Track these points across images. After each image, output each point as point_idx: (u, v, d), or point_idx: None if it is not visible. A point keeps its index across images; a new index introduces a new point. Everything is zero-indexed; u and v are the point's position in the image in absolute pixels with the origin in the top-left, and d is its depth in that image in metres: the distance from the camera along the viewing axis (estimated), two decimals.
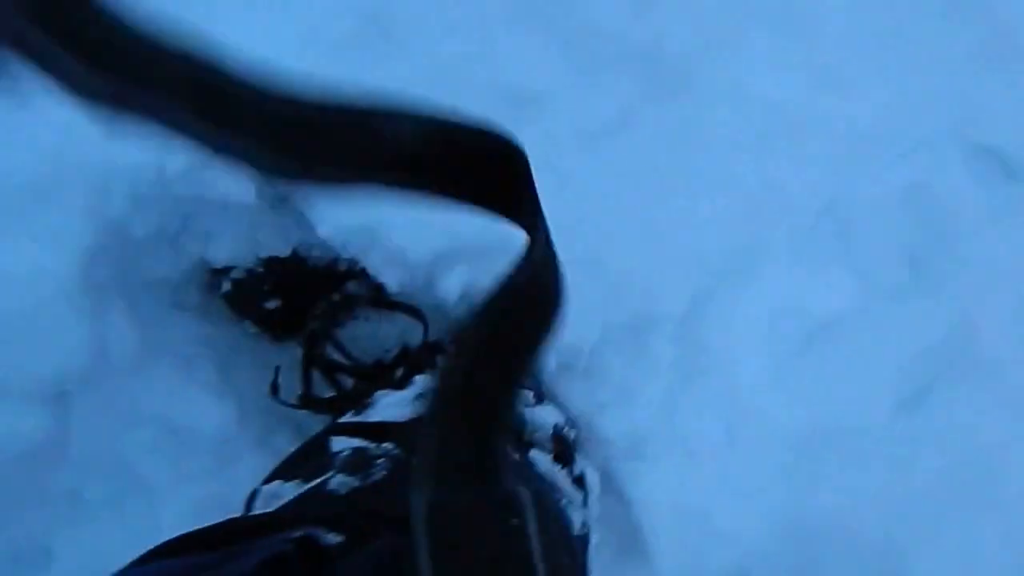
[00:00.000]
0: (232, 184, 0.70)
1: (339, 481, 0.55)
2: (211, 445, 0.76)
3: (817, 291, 0.79)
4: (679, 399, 0.76)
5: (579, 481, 0.73)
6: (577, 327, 0.71)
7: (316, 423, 0.77)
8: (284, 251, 0.75)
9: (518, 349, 0.30)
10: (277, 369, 0.79)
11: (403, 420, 0.65)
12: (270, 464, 0.69)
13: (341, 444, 0.61)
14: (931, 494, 0.75)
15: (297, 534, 0.42)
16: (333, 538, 0.44)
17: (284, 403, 0.77)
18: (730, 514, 0.75)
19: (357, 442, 0.61)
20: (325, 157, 0.27)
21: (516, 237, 0.75)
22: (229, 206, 0.73)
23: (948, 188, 0.82)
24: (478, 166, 0.28)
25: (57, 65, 0.21)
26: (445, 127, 0.27)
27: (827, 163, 0.78)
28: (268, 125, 0.25)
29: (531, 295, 0.29)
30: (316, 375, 0.79)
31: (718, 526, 0.75)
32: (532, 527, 0.25)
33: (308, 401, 0.77)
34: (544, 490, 0.65)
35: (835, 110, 0.80)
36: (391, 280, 0.73)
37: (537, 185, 0.29)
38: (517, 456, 0.66)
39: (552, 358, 0.72)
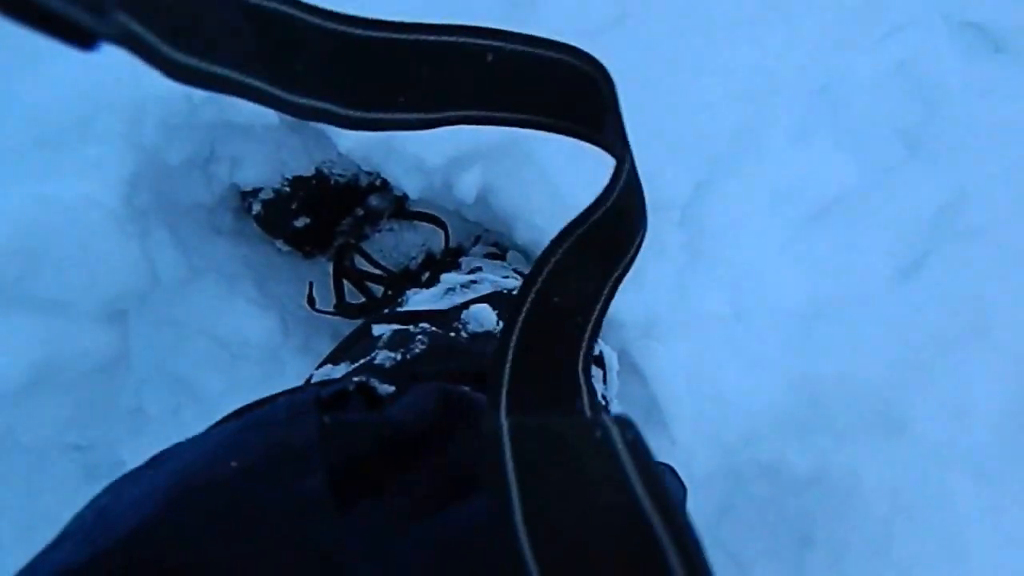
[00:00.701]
0: (255, 108, 0.74)
1: (384, 356, 0.59)
2: (258, 354, 0.82)
3: (815, 169, 0.82)
4: (688, 280, 0.81)
5: (598, 360, 0.79)
6: None
7: (352, 328, 0.82)
8: (308, 170, 0.79)
9: (601, 271, 0.29)
10: (311, 284, 0.84)
11: (436, 308, 0.70)
12: (314, 368, 0.74)
13: (382, 330, 0.67)
14: (927, 349, 0.80)
15: (356, 379, 0.47)
16: (386, 388, 0.49)
17: (322, 312, 0.83)
18: (740, 383, 0.81)
19: (396, 326, 0.67)
20: (413, 93, 0.26)
21: (527, 137, 0.79)
22: (253, 129, 0.77)
23: (937, 63, 0.85)
24: (566, 91, 0.28)
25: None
26: (531, 53, 0.27)
27: (818, 44, 0.81)
28: (346, 63, 0.24)
29: (615, 219, 0.29)
30: (348, 286, 0.85)
31: (729, 394, 0.81)
32: (623, 453, 0.23)
33: (343, 308, 0.83)
34: None
35: None
36: (411, 188, 0.77)
37: None
38: None
39: None
